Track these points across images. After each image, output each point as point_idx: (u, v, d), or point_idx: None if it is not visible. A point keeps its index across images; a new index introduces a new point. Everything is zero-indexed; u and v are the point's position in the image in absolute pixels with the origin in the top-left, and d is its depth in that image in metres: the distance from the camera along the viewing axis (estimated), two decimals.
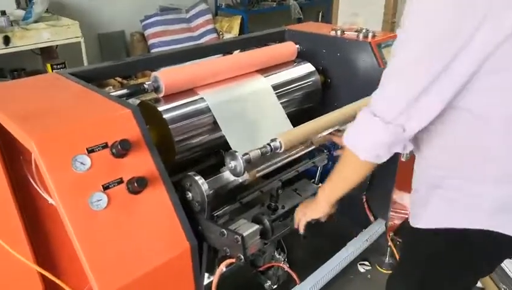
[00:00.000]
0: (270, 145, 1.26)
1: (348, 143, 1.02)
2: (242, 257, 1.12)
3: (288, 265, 1.70)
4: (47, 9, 3.51)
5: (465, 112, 0.90)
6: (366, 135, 0.97)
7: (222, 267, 1.16)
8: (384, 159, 0.99)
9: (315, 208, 1.30)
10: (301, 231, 1.34)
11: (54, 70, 3.30)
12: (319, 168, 1.75)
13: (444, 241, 1.03)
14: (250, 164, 1.20)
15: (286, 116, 1.66)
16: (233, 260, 1.14)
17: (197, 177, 1.19)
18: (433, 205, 1.03)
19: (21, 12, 3.44)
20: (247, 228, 1.16)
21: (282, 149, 1.26)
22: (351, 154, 1.01)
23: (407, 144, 0.96)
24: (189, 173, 1.21)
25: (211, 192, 1.19)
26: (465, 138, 0.94)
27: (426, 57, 0.85)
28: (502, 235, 0.95)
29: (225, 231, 1.13)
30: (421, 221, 1.06)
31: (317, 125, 1.40)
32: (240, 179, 1.31)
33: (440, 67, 0.83)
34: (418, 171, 1.11)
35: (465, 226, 0.97)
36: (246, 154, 1.20)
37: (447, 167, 1.00)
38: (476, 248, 1.01)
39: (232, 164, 1.21)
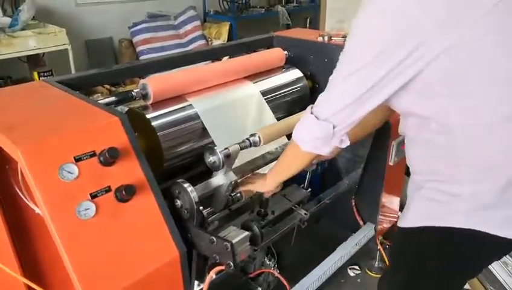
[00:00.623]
0: (249, 140, 1.29)
1: (293, 136, 1.14)
2: (232, 264, 1.11)
3: (278, 271, 1.70)
4: (33, 17, 3.48)
5: (429, 120, 0.97)
6: (305, 130, 1.10)
7: (212, 275, 1.15)
8: (325, 151, 1.09)
9: (263, 183, 1.36)
10: (241, 188, 1.38)
11: (40, 78, 3.27)
12: (308, 173, 1.76)
13: (428, 240, 1.07)
14: (229, 158, 1.22)
15: (276, 121, 1.66)
16: (223, 267, 1.14)
17: (185, 185, 1.18)
18: (416, 204, 1.09)
19: (7, 20, 3.41)
20: (237, 235, 1.15)
21: (261, 143, 1.30)
22: (295, 144, 1.13)
23: (344, 139, 1.06)
24: (178, 180, 1.20)
25: (199, 199, 1.18)
26: (433, 143, 1.00)
27: (364, 75, 0.94)
28: (484, 234, 0.98)
29: (214, 238, 1.12)
30: (405, 220, 1.11)
31: (295, 121, 1.43)
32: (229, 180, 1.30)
33: (374, 83, 0.93)
34: (409, 179, 1.17)
35: (448, 225, 1.01)
36: (226, 149, 1.22)
37: (426, 172, 1.06)
38: (460, 247, 1.04)
39: (211, 158, 1.23)
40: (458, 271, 1.10)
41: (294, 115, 1.50)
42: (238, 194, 1.35)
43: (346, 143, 1.08)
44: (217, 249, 1.13)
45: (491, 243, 1.00)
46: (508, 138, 0.92)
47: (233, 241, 1.11)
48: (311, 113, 1.06)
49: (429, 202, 1.05)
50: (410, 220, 1.10)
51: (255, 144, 1.30)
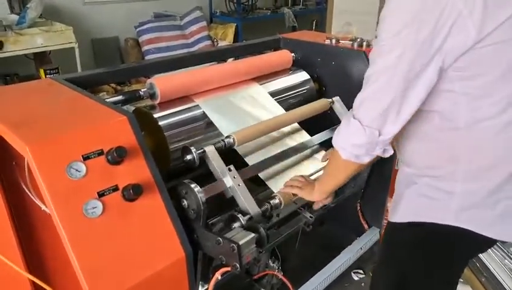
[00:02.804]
0: (224, 141, 1.34)
1: (334, 142, 1.09)
2: (238, 265, 1.11)
3: (282, 273, 1.69)
4: (41, 15, 3.50)
5: (435, 114, 0.97)
6: (346, 136, 1.04)
7: (217, 276, 1.15)
8: (366, 160, 1.05)
9: (310, 192, 1.35)
10: (284, 190, 1.38)
11: (47, 76, 3.28)
12: None
13: (417, 235, 1.08)
14: (204, 154, 1.27)
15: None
16: (228, 269, 1.14)
17: (192, 185, 1.18)
18: (407, 199, 1.09)
19: (15, 17, 3.43)
20: (243, 237, 1.14)
21: (236, 145, 1.35)
22: (337, 153, 1.09)
23: (387, 148, 1.02)
24: (185, 181, 1.20)
25: (206, 200, 1.18)
26: (434, 138, 1.00)
27: (401, 65, 0.90)
28: (470, 232, 0.99)
29: (221, 239, 1.12)
30: (396, 215, 1.12)
31: (269, 124, 1.51)
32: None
33: (413, 75, 0.90)
34: (398, 172, 1.17)
35: (436, 221, 1.02)
36: (201, 149, 1.26)
37: (421, 166, 1.06)
38: (447, 243, 1.05)
39: (187, 157, 1.26)
40: (444, 266, 1.11)
41: (266, 119, 1.52)
42: (277, 200, 1.34)
43: (390, 152, 1.03)
44: (223, 250, 1.13)
45: (477, 241, 1.01)
46: (510, 139, 0.93)
47: (240, 243, 1.10)
48: (354, 118, 1.00)
49: (421, 198, 1.05)
50: (401, 214, 1.10)
51: (230, 145, 1.34)
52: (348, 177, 1.21)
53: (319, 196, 1.34)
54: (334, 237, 2.08)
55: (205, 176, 1.32)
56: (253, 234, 1.16)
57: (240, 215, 1.23)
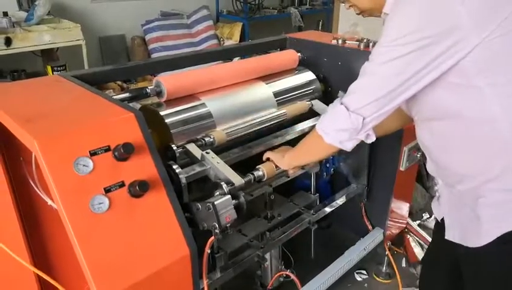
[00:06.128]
0: (204, 139, 1.40)
1: (317, 128, 1.12)
2: (216, 225, 1.13)
3: (294, 272, 1.69)
4: (49, 12, 3.52)
5: (465, 119, 0.95)
6: (331, 120, 1.08)
7: (207, 250, 1.16)
8: (348, 146, 1.07)
9: (280, 159, 1.38)
10: (264, 158, 1.44)
11: (54, 72, 3.30)
12: (312, 178, 1.76)
13: None
14: (186, 151, 1.35)
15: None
16: (213, 238, 1.15)
17: (175, 166, 1.24)
18: (485, 215, 1.00)
19: (23, 14, 3.46)
20: (219, 198, 1.18)
21: (216, 144, 1.41)
22: (318, 135, 1.11)
23: (370, 133, 1.05)
24: (169, 163, 1.25)
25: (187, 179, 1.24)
26: (475, 140, 0.97)
27: (395, 68, 0.93)
28: None
29: (199, 205, 1.17)
30: (480, 236, 1.00)
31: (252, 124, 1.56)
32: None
33: (407, 77, 0.93)
34: (447, 197, 1.12)
35: None
36: (183, 147, 1.35)
37: (475, 175, 1.00)
38: None
39: (169, 153, 1.33)
40: None
41: (255, 115, 1.57)
42: (260, 172, 1.37)
43: (372, 138, 1.07)
44: (203, 216, 1.17)
45: None
46: None
47: (216, 203, 1.14)
48: (341, 104, 1.03)
49: (499, 206, 0.97)
50: (485, 234, 0.98)
51: (210, 144, 1.40)
52: (324, 158, 1.27)
53: (287, 166, 1.37)
54: (337, 237, 2.08)
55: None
56: (228, 196, 1.19)
57: (222, 183, 1.25)
